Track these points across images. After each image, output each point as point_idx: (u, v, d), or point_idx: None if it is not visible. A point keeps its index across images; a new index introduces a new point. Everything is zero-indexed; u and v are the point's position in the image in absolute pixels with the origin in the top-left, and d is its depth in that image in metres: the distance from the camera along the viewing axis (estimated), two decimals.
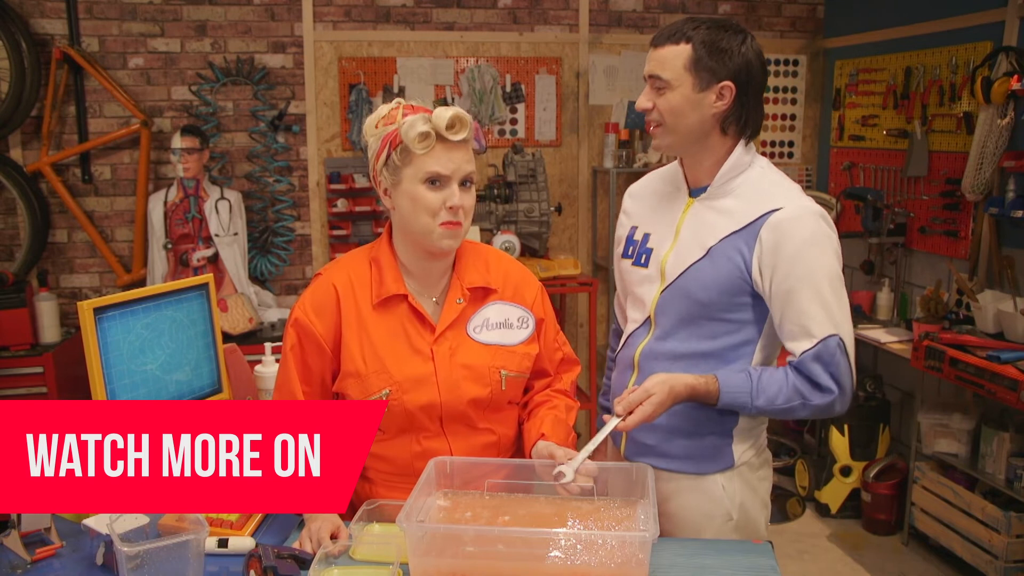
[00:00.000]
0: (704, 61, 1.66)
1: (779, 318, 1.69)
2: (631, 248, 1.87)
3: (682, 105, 1.68)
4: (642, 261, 1.83)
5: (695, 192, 1.79)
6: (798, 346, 1.66)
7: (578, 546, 1.47)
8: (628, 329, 1.89)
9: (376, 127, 1.70)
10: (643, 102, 1.73)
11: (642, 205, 1.91)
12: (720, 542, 1.74)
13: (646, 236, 1.84)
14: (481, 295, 1.80)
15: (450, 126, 1.63)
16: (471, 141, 1.70)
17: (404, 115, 1.66)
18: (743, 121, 1.72)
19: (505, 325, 1.79)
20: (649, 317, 1.81)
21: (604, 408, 2.06)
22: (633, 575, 1.42)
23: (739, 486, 1.80)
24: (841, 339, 1.65)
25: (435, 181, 1.65)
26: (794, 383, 1.66)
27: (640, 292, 1.83)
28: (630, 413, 1.62)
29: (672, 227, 1.80)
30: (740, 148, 1.73)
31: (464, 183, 1.69)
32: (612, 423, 1.63)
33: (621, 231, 1.94)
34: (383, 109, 1.71)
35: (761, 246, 1.66)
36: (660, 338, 1.79)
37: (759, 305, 1.72)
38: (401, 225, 1.73)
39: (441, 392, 1.72)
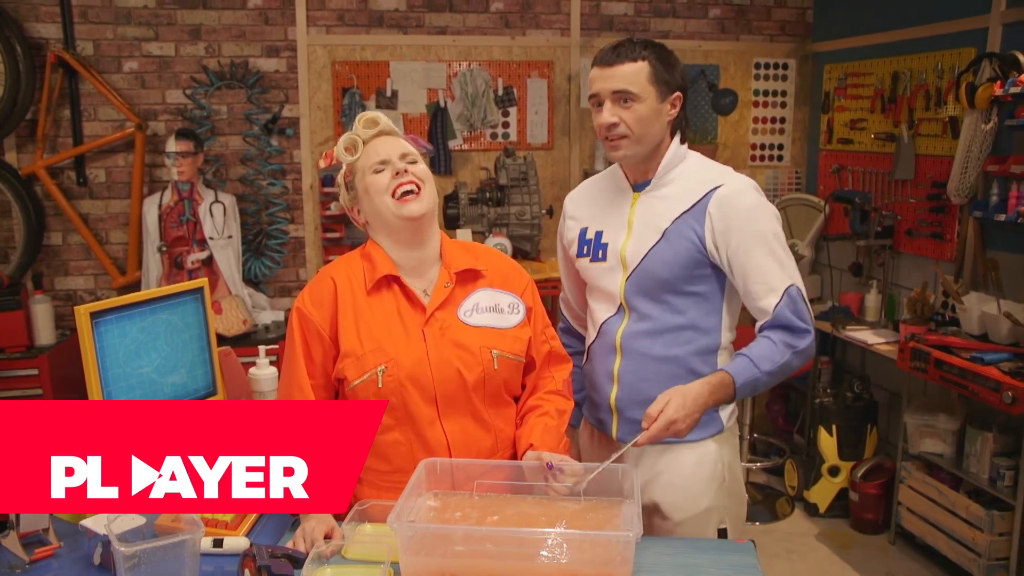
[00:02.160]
0: (662, 74, 1.85)
1: (742, 281, 1.84)
2: (585, 247, 2.01)
3: (649, 115, 1.85)
4: (600, 256, 1.97)
5: (638, 187, 1.95)
6: (768, 302, 1.82)
7: (564, 545, 1.50)
8: (600, 318, 1.99)
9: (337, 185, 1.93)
10: (608, 117, 1.86)
11: (586, 208, 2.05)
12: (703, 541, 1.79)
13: (599, 233, 1.98)
14: (470, 279, 1.87)
15: (366, 126, 1.86)
16: (397, 135, 1.89)
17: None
18: (684, 124, 1.94)
19: (496, 309, 1.87)
20: (621, 304, 1.93)
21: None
22: (617, 574, 1.46)
23: (727, 449, 1.96)
24: (797, 287, 1.84)
25: (379, 169, 1.82)
26: (780, 338, 1.81)
27: (604, 284, 1.96)
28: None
29: (623, 221, 1.94)
30: (675, 144, 1.92)
31: (407, 162, 1.84)
32: (628, 444, 1.72)
33: (570, 235, 2.06)
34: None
35: (711, 220, 1.84)
36: (637, 320, 1.92)
37: (719, 275, 1.89)
38: (374, 225, 1.86)
39: (433, 369, 1.77)
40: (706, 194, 1.85)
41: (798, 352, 1.82)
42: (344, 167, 1.90)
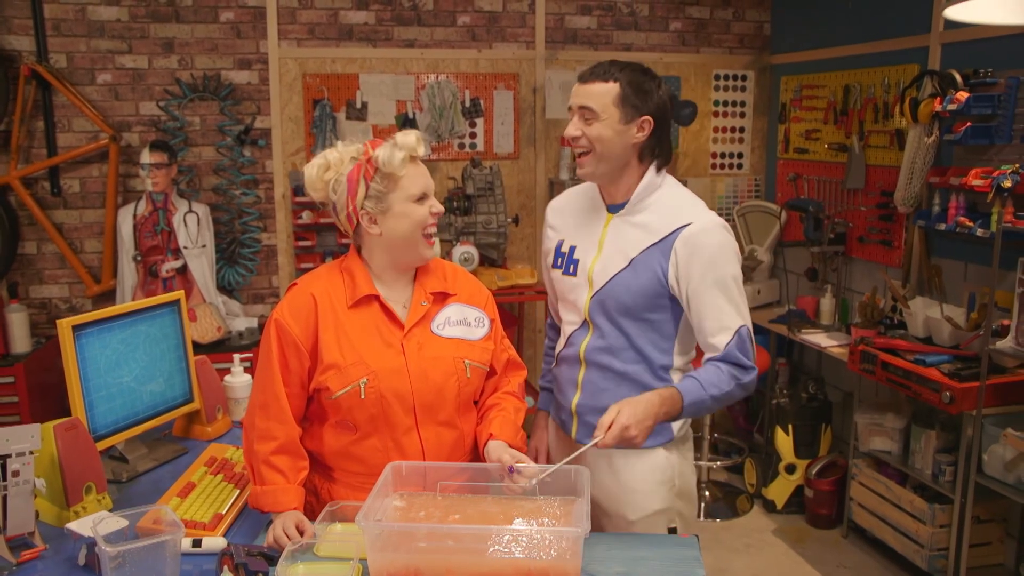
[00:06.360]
0: (630, 98, 1.91)
1: (697, 317, 1.94)
2: (559, 259, 2.12)
3: (609, 134, 1.92)
4: (571, 271, 2.07)
5: (613, 208, 2.03)
6: (720, 340, 1.93)
7: (522, 538, 1.63)
8: (567, 330, 2.12)
9: (326, 174, 1.88)
10: (572, 131, 1.96)
11: (565, 220, 2.14)
12: (651, 536, 1.92)
13: (572, 248, 2.09)
14: (441, 299, 2.00)
15: (418, 143, 1.87)
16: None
17: (372, 148, 1.87)
18: (657, 151, 1.99)
19: (464, 323, 2.00)
20: (585, 320, 2.05)
21: (544, 388, 2.31)
22: (567, 566, 1.59)
23: (677, 456, 2.08)
24: (748, 328, 1.95)
25: (421, 201, 1.88)
26: (727, 370, 1.92)
27: (572, 298, 2.08)
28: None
29: (595, 240, 2.04)
30: (651, 171, 1.99)
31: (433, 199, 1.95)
32: (587, 444, 1.82)
33: (548, 244, 2.18)
34: (320, 160, 1.89)
35: (676, 257, 1.92)
36: (598, 336, 2.04)
37: (675, 307, 1.98)
38: (388, 244, 1.90)
39: (412, 381, 1.89)
40: (675, 230, 1.92)
41: (742, 384, 1.93)
42: (367, 170, 1.85)
